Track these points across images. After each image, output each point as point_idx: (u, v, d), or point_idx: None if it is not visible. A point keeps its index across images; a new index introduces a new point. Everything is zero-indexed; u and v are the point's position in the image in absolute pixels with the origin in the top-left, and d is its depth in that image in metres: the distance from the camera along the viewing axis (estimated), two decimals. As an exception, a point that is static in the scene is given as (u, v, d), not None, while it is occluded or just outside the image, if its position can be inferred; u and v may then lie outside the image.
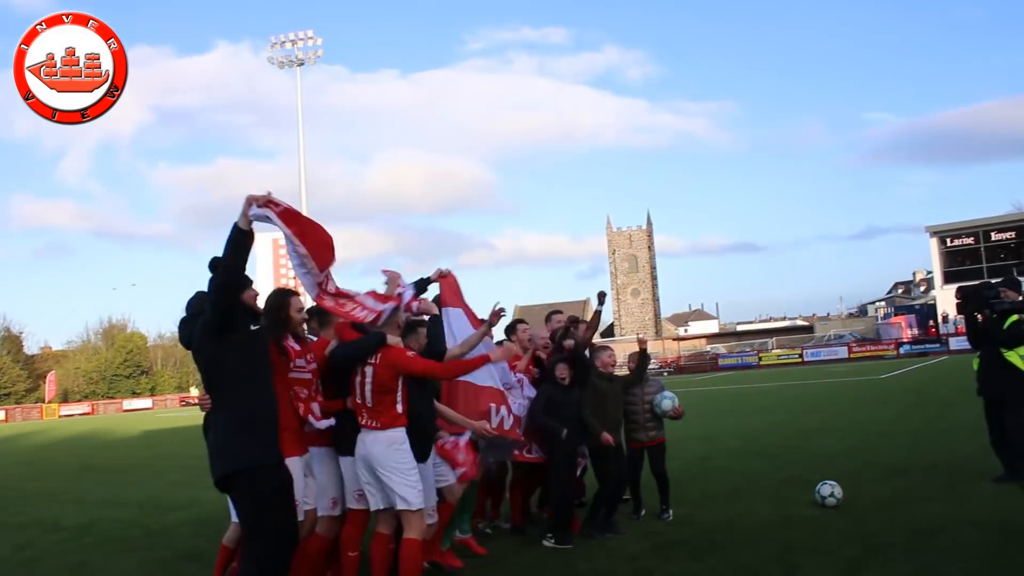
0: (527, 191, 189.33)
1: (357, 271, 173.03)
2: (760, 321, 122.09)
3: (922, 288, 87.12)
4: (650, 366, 8.30)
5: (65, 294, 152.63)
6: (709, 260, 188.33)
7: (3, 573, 7.92)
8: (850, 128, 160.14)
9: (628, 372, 8.07)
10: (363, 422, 5.47)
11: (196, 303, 5.39)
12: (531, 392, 7.37)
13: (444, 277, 7.05)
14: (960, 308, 8.93)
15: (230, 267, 4.44)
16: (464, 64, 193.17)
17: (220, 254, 4.48)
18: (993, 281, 8.62)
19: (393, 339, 5.58)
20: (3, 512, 11.78)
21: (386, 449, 5.38)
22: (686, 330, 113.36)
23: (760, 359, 57.14)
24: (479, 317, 7.04)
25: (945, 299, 53.07)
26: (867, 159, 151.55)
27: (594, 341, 8.37)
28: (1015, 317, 8.09)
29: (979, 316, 8.51)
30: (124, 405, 68.93)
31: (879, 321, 72.78)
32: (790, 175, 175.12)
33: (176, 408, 62.50)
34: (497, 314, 6.49)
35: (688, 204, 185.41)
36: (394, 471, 5.37)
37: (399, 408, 5.51)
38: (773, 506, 8.07)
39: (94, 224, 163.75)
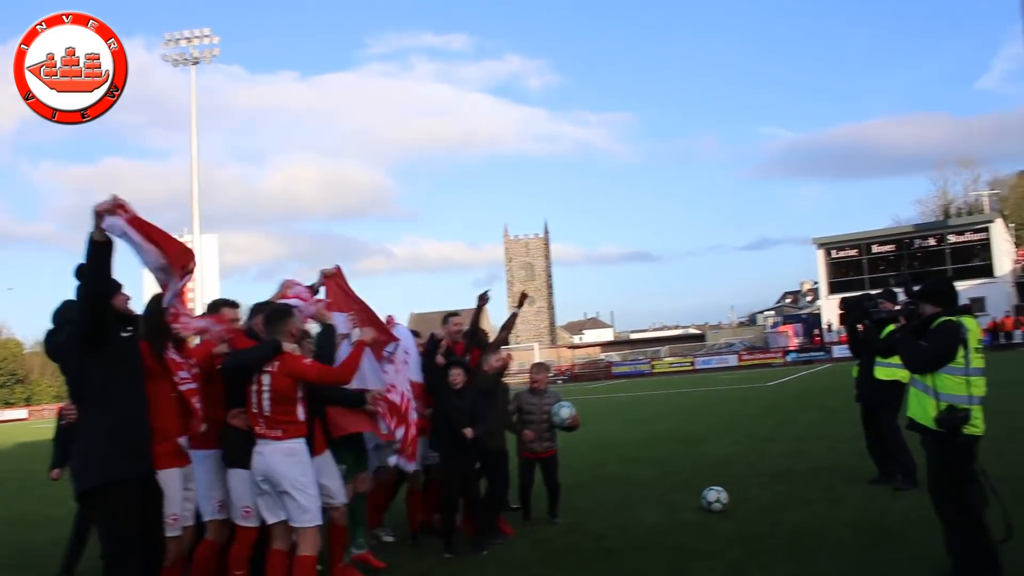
0: (425, 198, 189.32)
1: (250, 277, 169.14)
2: (654, 329, 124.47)
3: (809, 298, 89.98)
4: (546, 375, 8.38)
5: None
6: (605, 269, 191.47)
7: None
8: (745, 142, 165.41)
9: (528, 382, 8.16)
10: (260, 432, 5.33)
11: (63, 312, 5.14)
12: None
13: (331, 277, 6.91)
14: (842, 319, 9.30)
15: (94, 277, 4.24)
16: (365, 68, 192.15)
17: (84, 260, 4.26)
18: (873, 293, 8.97)
19: (289, 346, 5.45)
20: None
21: (285, 460, 5.26)
22: (581, 338, 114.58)
23: (653, 367, 58.07)
24: (380, 317, 6.97)
25: (830, 309, 55.07)
26: (760, 172, 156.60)
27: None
28: (891, 327, 8.45)
29: (859, 326, 8.85)
30: (-3, 416, 65.71)
31: (767, 330, 74.81)
32: (686, 187, 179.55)
33: (54, 419, 59.70)
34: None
35: (585, 213, 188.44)
36: (293, 484, 5.25)
37: (300, 416, 5.40)
38: (662, 512, 8.23)
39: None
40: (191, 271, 4.82)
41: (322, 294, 6.86)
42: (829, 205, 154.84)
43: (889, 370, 8.44)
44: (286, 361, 5.36)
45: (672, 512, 8.16)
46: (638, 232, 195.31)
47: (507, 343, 8.24)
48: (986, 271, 55.46)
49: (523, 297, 8.64)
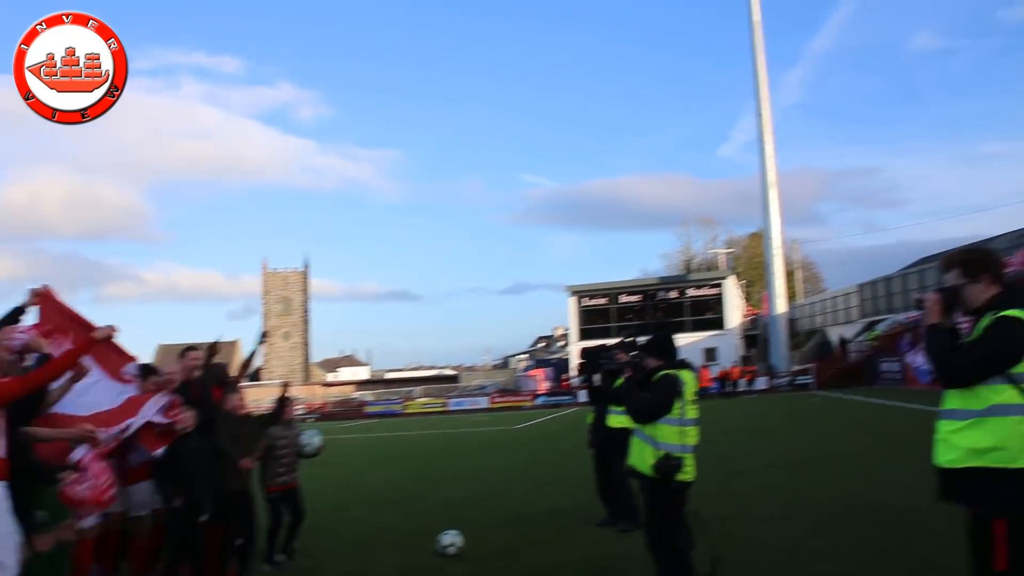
0: (184, 223, 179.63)
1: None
2: (410, 369, 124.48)
3: (561, 343, 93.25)
4: (297, 411, 8.35)
5: None
6: (366, 306, 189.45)
7: None
8: (508, 187, 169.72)
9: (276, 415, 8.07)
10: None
11: None
12: None
13: (41, 296, 6.38)
14: (580, 368, 9.72)
15: None
16: (127, 81, 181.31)
17: None
18: (610, 343, 9.44)
19: None
20: None
21: None
22: (336, 376, 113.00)
23: (406, 407, 58.14)
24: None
25: (578, 354, 57.33)
26: (522, 218, 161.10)
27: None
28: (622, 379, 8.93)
29: (595, 376, 9.30)
30: None
31: (519, 373, 76.90)
32: (450, 228, 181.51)
33: None
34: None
35: (349, 249, 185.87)
36: None
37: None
38: (398, 556, 8.21)
39: None
40: None
41: (34, 317, 6.31)
42: (584, 254, 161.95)
43: (621, 418, 8.87)
44: None
45: (407, 556, 8.15)
46: (401, 271, 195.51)
47: (249, 380, 8.05)
48: (719, 324, 60.10)
49: (264, 335, 8.49)
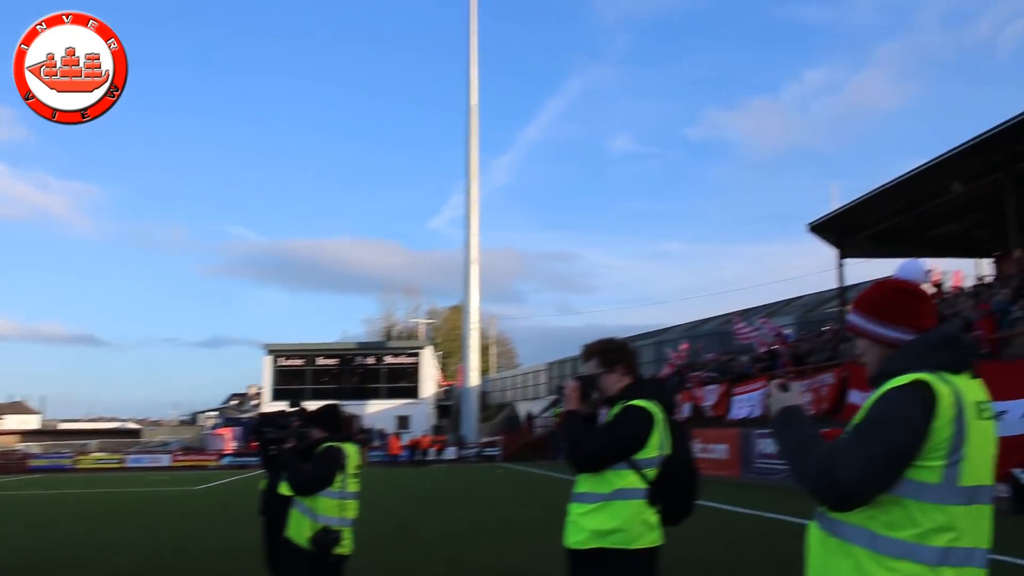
0: None
1: None
2: (88, 420, 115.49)
3: (254, 402, 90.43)
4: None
5: None
6: (44, 349, 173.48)
7: None
8: (213, 238, 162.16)
9: None
10: None
11: None
12: None
13: None
14: (251, 435, 9.48)
15: None
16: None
17: None
18: (288, 410, 9.29)
19: None
20: None
21: None
22: (0, 424, 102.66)
23: (77, 462, 53.56)
24: None
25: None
26: (225, 270, 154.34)
27: None
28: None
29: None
30: None
31: (206, 430, 73.59)
32: (148, 274, 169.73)
33: None
34: None
35: (31, 286, 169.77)
36: None
37: None
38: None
39: None
40: None
41: None
42: (287, 312, 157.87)
43: (294, 487, 8.76)
44: None
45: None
46: (89, 314, 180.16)
47: None
48: (413, 392, 61.00)
49: None
